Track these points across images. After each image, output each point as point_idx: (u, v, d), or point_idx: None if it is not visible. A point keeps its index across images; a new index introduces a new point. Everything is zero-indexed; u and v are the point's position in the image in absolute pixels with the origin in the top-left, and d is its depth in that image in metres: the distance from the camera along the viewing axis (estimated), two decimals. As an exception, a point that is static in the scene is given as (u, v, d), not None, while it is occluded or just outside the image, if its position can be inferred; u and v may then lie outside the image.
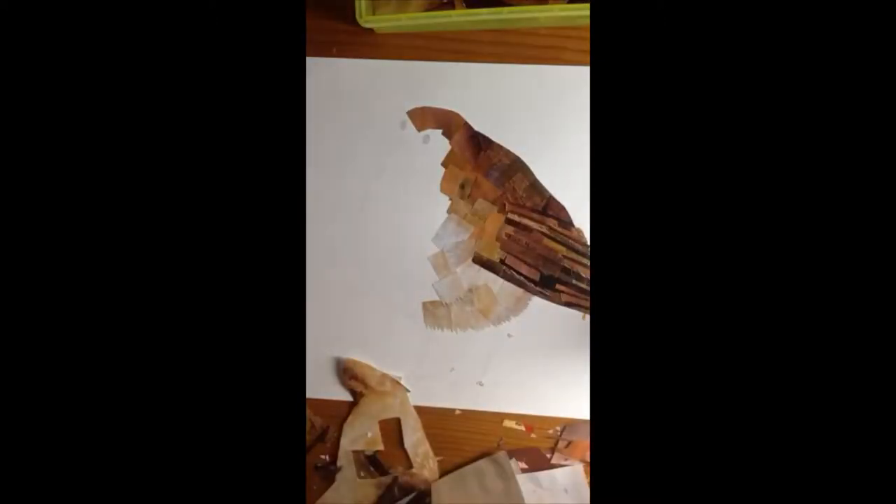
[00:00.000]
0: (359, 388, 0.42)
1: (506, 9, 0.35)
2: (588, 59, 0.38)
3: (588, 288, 0.40)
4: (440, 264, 0.41)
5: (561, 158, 0.39)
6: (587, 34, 0.38)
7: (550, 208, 0.40)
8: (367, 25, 0.36)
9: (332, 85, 0.40)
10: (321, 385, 0.43)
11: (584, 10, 0.35)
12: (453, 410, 0.42)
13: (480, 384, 0.42)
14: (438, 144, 0.40)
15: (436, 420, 0.43)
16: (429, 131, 0.40)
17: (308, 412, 0.43)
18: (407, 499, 0.41)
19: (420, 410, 0.42)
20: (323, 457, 0.43)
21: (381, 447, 0.42)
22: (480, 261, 0.40)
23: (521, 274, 0.40)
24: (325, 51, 0.40)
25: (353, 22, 0.36)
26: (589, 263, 0.40)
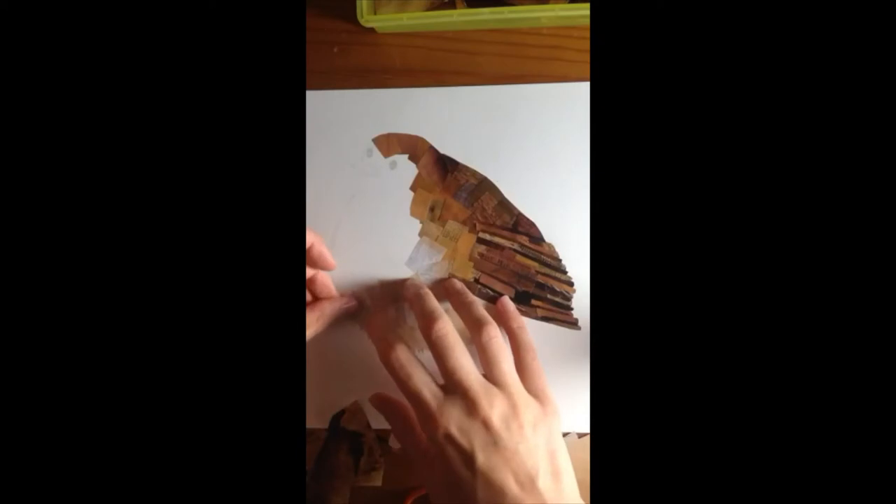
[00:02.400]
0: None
1: (507, 8, 0.35)
2: (588, 57, 0.39)
3: (563, 302, 0.40)
4: (415, 288, 0.40)
5: (527, 175, 0.40)
6: (588, 33, 0.39)
7: (521, 225, 0.40)
8: (369, 25, 0.37)
9: (296, 117, 0.40)
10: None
11: (586, 10, 0.36)
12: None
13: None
14: (405, 169, 0.40)
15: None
16: (395, 157, 0.40)
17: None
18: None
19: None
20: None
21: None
22: (455, 281, 0.40)
23: (496, 292, 0.40)
24: (327, 50, 0.40)
25: (355, 21, 0.36)
26: (561, 278, 0.40)
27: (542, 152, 0.40)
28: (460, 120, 0.40)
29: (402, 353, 0.35)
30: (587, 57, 0.39)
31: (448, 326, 0.34)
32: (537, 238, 0.40)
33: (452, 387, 0.33)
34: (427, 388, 0.33)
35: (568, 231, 0.40)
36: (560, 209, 0.40)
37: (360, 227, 0.41)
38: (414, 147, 0.40)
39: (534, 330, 0.40)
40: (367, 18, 0.36)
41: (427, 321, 0.35)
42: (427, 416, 0.33)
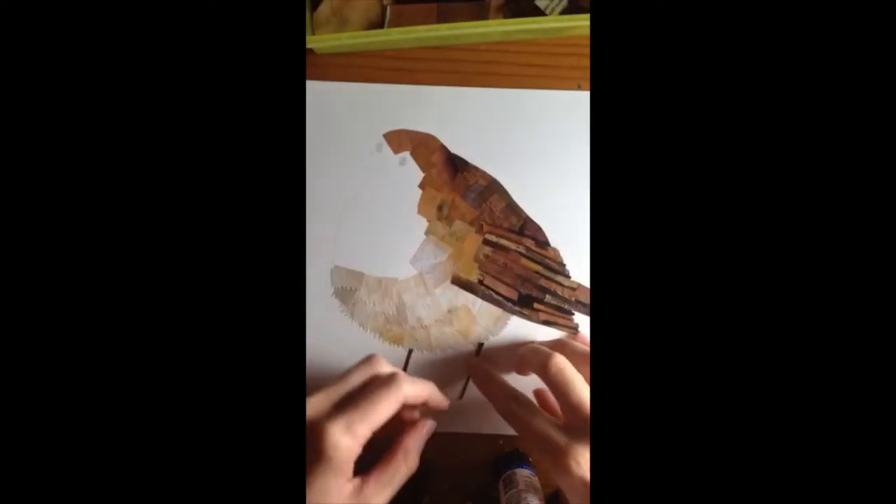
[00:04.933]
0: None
1: (444, 25, 0.35)
2: (531, 72, 0.40)
3: (564, 307, 0.41)
4: (419, 286, 0.41)
5: (536, 179, 0.40)
6: (525, 48, 0.39)
7: (527, 228, 0.40)
8: (308, 46, 0.36)
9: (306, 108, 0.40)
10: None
11: (522, 25, 0.35)
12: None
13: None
14: (415, 167, 0.40)
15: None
16: (405, 154, 0.40)
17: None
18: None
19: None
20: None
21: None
22: (459, 282, 0.41)
23: (499, 294, 0.40)
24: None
25: None
26: (564, 282, 0.40)
27: (552, 157, 0.40)
28: (472, 120, 0.40)
29: (520, 400, 0.34)
30: (525, 70, 0.40)
31: (564, 360, 0.33)
32: (543, 242, 0.40)
33: (580, 422, 0.32)
34: (552, 428, 0.32)
35: (573, 236, 0.40)
36: (567, 214, 0.40)
37: (365, 223, 0.40)
38: (425, 145, 0.40)
39: (534, 333, 0.41)
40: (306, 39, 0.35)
41: (541, 357, 0.34)
42: (558, 455, 0.31)
